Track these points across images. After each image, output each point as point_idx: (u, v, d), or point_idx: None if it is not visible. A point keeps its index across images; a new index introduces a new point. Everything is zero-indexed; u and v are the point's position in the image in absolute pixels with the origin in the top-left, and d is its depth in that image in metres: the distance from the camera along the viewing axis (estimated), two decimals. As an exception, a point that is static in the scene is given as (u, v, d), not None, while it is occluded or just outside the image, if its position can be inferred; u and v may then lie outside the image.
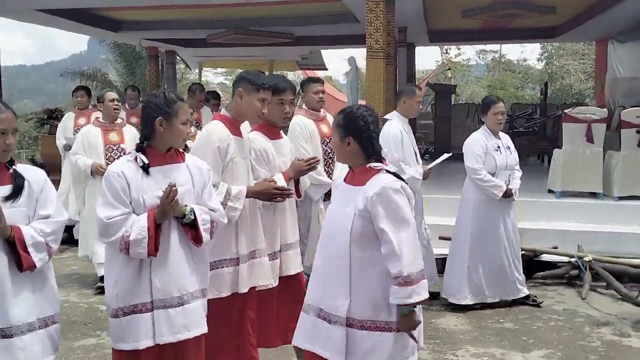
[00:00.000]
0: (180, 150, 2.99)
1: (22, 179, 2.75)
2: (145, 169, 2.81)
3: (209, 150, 3.22)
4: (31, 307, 2.71)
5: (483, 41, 15.85)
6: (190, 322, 2.84)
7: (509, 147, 5.23)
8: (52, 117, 9.90)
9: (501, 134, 5.29)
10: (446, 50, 29.49)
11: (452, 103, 15.34)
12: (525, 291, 5.27)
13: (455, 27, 12.32)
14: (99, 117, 5.87)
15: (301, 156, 4.00)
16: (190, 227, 2.86)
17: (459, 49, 30.02)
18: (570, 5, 9.62)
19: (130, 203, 2.78)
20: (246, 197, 3.32)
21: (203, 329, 2.91)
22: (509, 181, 5.15)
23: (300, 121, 4.57)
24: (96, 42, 21.94)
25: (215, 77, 32.47)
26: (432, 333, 4.61)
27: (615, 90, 13.22)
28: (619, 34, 12.50)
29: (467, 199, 5.26)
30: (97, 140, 5.57)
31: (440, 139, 12.81)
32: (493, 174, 5.08)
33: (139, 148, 2.86)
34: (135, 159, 2.83)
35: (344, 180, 2.81)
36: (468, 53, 33.43)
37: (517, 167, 5.27)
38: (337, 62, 62.55)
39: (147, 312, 2.78)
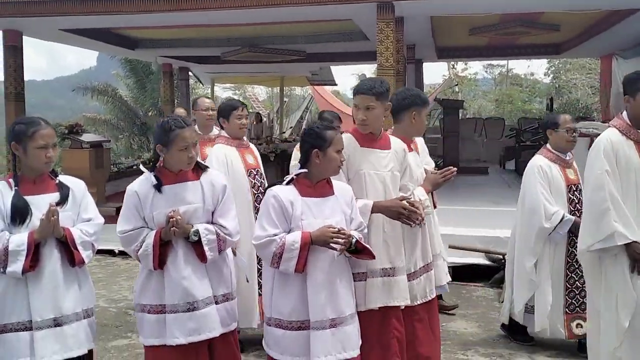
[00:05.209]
0: (200, 167, 3.16)
1: (67, 187, 3.15)
2: (158, 187, 3.03)
3: None
4: (78, 299, 3.11)
5: (489, 57, 16.17)
6: (202, 326, 3.02)
7: None
8: (73, 131, 10.25)
9: None
10: (453, 65, 29.77)
11: (460, 117, 15.66)
12: None
13: (462, 43, 12.65)
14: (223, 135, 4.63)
15: None
16: (198, 244, 3.04)
17: (465, 63, 30.31)
18: (574, 23, 9.92)
19: (144, 218, 3.05)
20: (373, 212, 3.19)
21: (214, 333, 3.06)
22: None
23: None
24: (106, 58, 22.12)
25: (223, 92, 32.93)
26: (443, 335, 4.84)
27: (620, 105, 13.44)
28: (623, 50, 12.78)
29: None
30: (239, 163, 4.46)
31: (449, 152, 13.11)
32: None
33: (152, 168, 3.09)
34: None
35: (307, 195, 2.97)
36: (475, 67, 33.74)
37: None
38: (345, 76, 62.87)
39: (154, 314, 3.04)
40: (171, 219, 2.92)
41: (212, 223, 3.12)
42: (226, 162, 4.31)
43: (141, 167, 3.16)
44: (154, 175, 3.04)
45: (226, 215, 3.15)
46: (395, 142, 3.44)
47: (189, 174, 3.10)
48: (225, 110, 4.46)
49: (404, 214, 3.15)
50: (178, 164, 3.05)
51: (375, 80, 3.36)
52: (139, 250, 3.00)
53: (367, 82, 3.34)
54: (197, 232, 3.01)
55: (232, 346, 3.26)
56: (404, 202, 3.18)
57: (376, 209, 3.19)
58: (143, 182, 3.06)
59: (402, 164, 3.44)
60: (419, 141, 4.84)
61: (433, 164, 4.59)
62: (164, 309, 3.01)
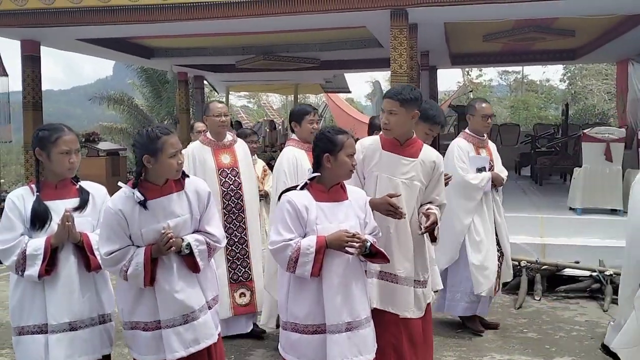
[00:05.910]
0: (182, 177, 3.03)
1: (87, 193, 3.19)
2: (143, 204, 2.88)
3: None
4: (94, 304, 3.13)
5: (504, 63, 16.10)
6: (200, 336, 2.97)
7: None
8: (90, 140, 10.39)
9: None
10: (468, 71, 29.72)
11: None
12: None
13: (477, 50, 12.62)
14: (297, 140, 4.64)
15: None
16: (189, 256, 2.97)
17: (480, 70, 30.25)
18: (589, 29, 9.86)
19: (130, 237, 2.91)
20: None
21: (213, 339, 3.03)
22: None
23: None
24: (122, 67, 22.20)
25: (238, 100, 33.11)
26: (459, 341, 4.86)
27: (636, 110, 13.33)
28: (639, 55, 12.67)
29: None
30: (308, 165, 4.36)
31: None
32: None
33: (135, 184, 2.92)
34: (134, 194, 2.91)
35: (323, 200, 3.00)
36: (490, 74, 33.63)
37: None
38: (359, 84, 63.00)
39: (150, 330, 2.94)
40: (170, 240, 2.85)
41: (198, 231, 3.06)
42: (296, 164, 4.39)
43: (120, 184, 2.99)
44: (138, 191, 2.90)
45: (212, 221, 3.10)
46: (427, 153, 3.44)
47: (173, 185, 2.99)
48: (298, 115, 4.59)
49: (390, 210, 3.18)
50: (167, 173, 2.93)
51: (406, 87, 3.42)
52: (127, 269, 2.87)
53: (397, 88, 3.43)
54: (188, 245, 2.94)
55: (222, 345, 3.25)
56: (389, 199, 3.20)
57: (371, 204, 3.20)
58: (125, 200, 2.90)
59: (429, 175, 3.42)
60: (492, 147, 5.13)
61: (506, 173, 5.05)
62: (159, 325, 2.93)
